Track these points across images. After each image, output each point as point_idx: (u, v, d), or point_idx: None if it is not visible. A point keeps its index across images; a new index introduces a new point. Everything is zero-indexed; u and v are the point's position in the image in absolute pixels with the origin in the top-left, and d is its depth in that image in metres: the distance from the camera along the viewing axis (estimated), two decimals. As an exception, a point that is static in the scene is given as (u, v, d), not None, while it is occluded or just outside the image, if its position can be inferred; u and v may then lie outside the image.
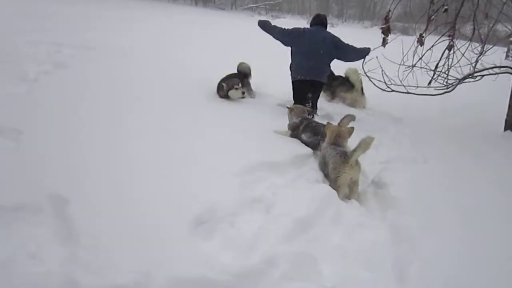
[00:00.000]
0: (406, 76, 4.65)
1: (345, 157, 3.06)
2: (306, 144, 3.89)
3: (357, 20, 36.32)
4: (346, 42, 5.11)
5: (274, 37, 5.35)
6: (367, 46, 5.06)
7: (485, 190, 3.30)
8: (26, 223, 2.12)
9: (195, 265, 2.01)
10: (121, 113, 3.91)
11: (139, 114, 3.96)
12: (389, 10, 4.56)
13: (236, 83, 5.06)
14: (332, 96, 6.03)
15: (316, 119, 4.60)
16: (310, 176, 3.24)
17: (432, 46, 4.59)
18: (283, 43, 5.32)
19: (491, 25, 4.73)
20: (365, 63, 4.88)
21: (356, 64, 5.15)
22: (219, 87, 5.16)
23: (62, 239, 2.06)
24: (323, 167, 3.32)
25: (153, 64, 6.39)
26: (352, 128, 3.49)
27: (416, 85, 4.66)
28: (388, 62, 4.51)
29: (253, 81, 5.63)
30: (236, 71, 5.53)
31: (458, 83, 4.78)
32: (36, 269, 1.84)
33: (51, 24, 8.77)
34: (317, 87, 5.18)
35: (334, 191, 2.93)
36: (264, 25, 5.40)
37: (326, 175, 3.26)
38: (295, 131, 4.05)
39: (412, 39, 4.61)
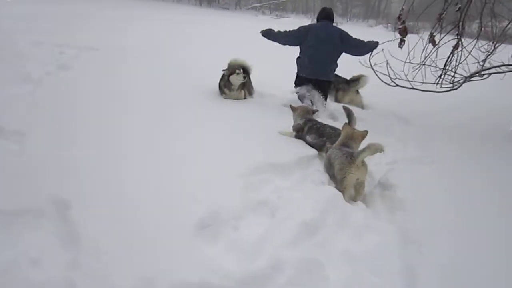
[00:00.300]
0: (415, 75, 4.58)
1: (351, 157, 3.00)
2: (311, 145, 3.84)
3: (361, 19, 36.01)
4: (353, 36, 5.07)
5: (281, 43, 5.33)
6: (374, 40, 5.01)
7: (494, 190, 3.23)
8: (28, 227, 2.10)
9: (198, 270, 1.98)
10: (121, 114, 3.89)
11: (139, 115, 3.93)
12: (402, 8, 4.45)
13: (238, 67, 4.97)
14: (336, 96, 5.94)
15: (319, 119, 4.53)
16: (315, 178, 3.19)
17: (439, 42, 4.50)
18: (291, 45, 5.30)
19: (499, 24, 4.64)
20: (372, 56, 4.84)
21: (363, 58, 5.10)
22: (220, 84, 5.10)
23: (64, 244, 2.03)
24: (329, 168, 3.27)
25: (154, 64, 6.39)
26: (366, 132, 3.43)
27: (422, 81, 4.59)
28: (394, 60, 4.45)
29: (256, 80, 5.56)
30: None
31: (464, 81, 4.71)
32: (37, 276, 1.81)
33: (54, 25, 8.80)
34: (323, 85, 5.11)
35: (340, 193, 2.87)
36: (269, 34, 5.35)
37: (332, 177, 3.21)
38: (299, 133, 4.00)
39: (415, 37, 4.53)
